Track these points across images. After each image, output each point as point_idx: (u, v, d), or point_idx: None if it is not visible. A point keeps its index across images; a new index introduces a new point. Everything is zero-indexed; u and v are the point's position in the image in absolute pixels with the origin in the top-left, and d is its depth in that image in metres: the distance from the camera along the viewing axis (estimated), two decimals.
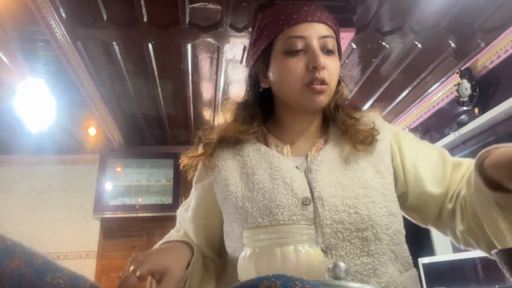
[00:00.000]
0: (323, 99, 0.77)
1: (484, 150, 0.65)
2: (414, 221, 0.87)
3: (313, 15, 0.78)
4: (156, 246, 0.79)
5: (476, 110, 2.78)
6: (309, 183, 0.74)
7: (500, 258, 0.57)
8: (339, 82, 0.86)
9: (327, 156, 0.78)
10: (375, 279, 0.68)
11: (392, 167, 0.80)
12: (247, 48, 2.45)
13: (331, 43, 0.78)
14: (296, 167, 0.77)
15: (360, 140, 0.78)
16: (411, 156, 0.81)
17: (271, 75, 0.82)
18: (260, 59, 0.84)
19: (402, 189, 0.81)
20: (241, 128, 0.83)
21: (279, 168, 0.76)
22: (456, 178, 0.79)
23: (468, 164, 0.80)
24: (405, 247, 0.76)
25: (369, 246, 0.69)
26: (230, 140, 0.84)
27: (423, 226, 0.86)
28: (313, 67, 0.75)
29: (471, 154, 1.72)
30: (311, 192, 0.73)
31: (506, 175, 0.58)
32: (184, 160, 0.87)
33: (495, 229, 0.65)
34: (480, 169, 0.65)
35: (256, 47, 0.85)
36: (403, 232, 0.76)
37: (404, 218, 0.81)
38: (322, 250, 0.68)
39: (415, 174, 0.79)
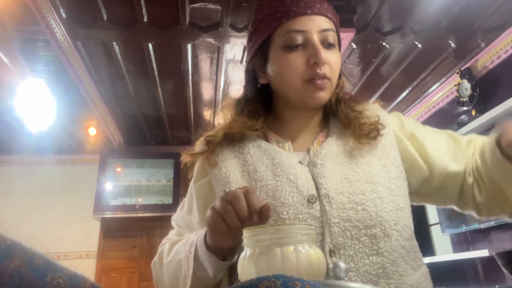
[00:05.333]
0: (324, 95, 0.76)
1: (498, 127, 0.69)
2: (434, 205, 0.88)
3: (312, 7, 0.75)
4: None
5: (473, 112, 2.78)
6: (313, 179, 0.72)
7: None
8: (339, 76, 0.83)
9: (331, 150, 0.76)
10: (385, 280, 0.66)
11: (400, 160, 0.78)
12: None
13: (331, 36, 0.76)
14: (299, 162, 0.75)
15: (364, 133, 0.76)
16: (428, 140, 0.81)
17: (270, 70, 0.79)
18: (257, 54, 0.81)
19: (423, 175, 0.80)
20: (248, 123, 0.80)
21: (281, 164, 0.74)
22: (469, 153, 0.81)
23: (474, 139, 0.84)
24: (415, 242, 0.75)
25: (378, 244, 0.67)
26: (235, 137, 0.81)
27: (442, 207, 0.88)
28: (314, 63, 0.73)
29: None
30: (317, 189, 0.70)
31: None
32: (185, 158, 0.84)
33: None
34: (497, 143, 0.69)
35: (252, 41, 0.82)
36: (412, 227, 0.75)
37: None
38: (330, 250, 0.66)
39: (438, 157, 0.79)
